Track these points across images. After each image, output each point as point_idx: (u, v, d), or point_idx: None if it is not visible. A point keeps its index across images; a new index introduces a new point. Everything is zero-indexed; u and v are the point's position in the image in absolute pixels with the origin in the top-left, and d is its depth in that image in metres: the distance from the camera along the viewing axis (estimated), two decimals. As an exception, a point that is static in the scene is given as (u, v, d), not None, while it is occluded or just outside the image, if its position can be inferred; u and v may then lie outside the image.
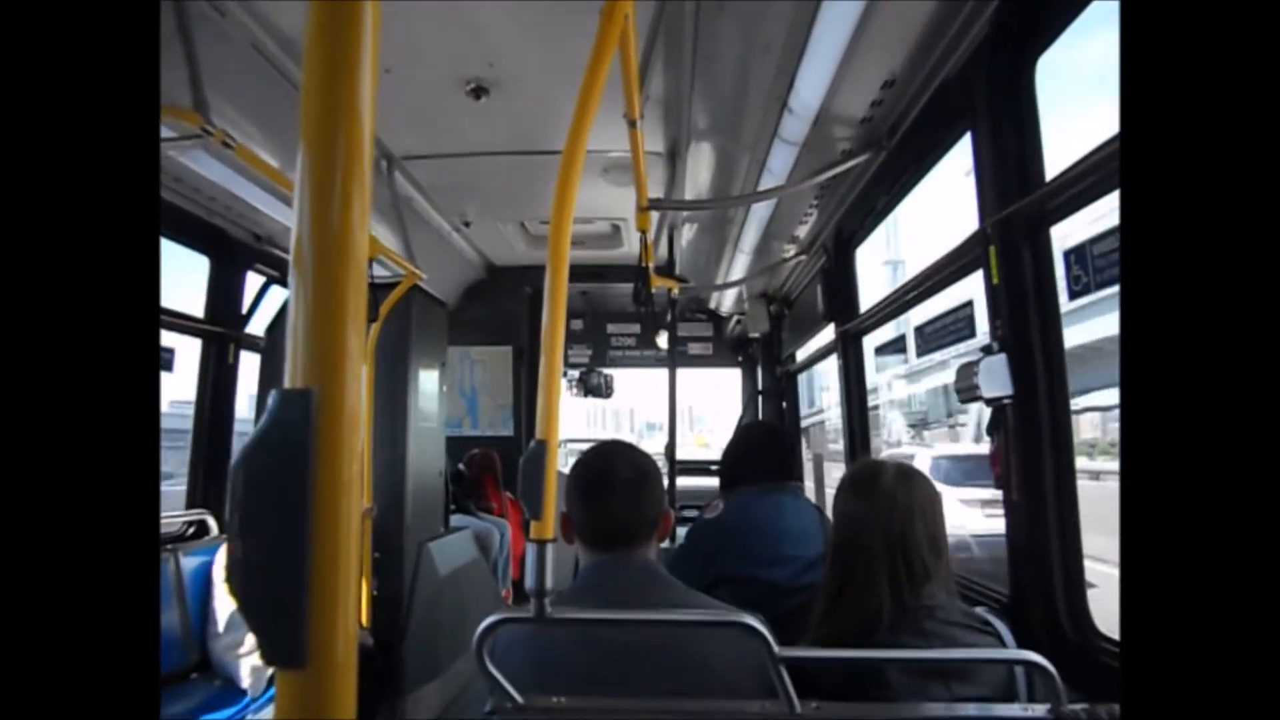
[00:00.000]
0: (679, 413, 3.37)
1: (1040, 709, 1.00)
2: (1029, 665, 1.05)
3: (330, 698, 0.45)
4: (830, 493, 1.47)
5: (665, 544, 1.71)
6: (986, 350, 1.64)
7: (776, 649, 0.96)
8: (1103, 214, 1.38)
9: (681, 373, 3.44)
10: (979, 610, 1.29)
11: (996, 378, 1.59)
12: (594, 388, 5.33)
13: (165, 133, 2.21)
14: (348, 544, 0.46)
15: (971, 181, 1.74)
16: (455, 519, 3.76)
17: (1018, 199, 1.60)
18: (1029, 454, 1.59)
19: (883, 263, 32.13)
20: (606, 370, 5.44)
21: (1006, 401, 1.61)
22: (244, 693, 2.61)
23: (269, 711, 2.50)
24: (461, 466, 4.38)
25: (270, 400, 0.45)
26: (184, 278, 3.35)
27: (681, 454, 3.42)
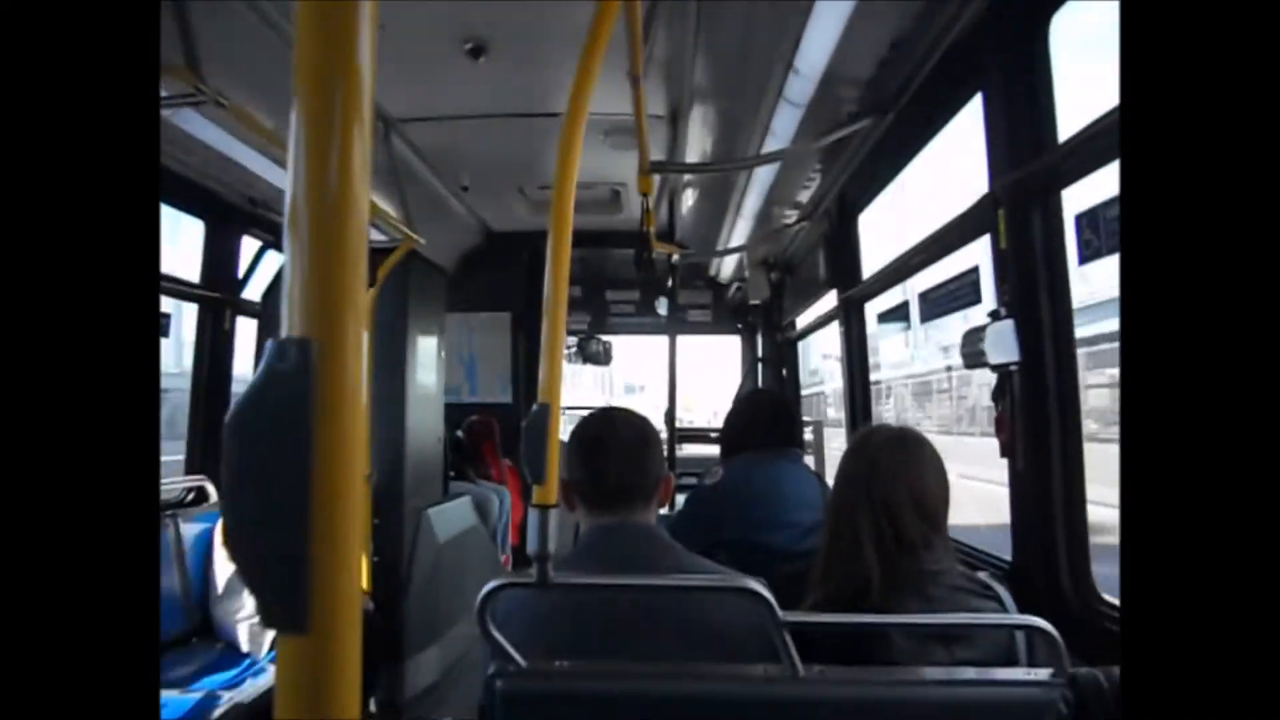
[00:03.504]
0: (658, 373, 3.37)
1: (1043, 673, 1.00)
2: (1032, 630, 1.05)
3: (334, 663, 0.43)
4: (829, 460, 1.47)
5: (665, 511, 1.70)
6: (994, 315, 1.62)
7: (780, 613, 0.96)
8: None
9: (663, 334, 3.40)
10: (980, 575, 1.29)
11: (1003, 343, 1.57)
12: (593, 355, 5.29)
13: None
14: (351, 503, 0.43)
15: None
16: (454, 486, 3.76)
17: (1029, 162, 1.57)
18: (1035, 420, 1.58)
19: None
20: (605, 337, 5.40)
21: (1013, 368, 1.59)
22: (246, 655, 2.63)
23: (271, 671, 2.52)
24: (460, 433, 4.38)
25: (266, 350, 0.43)
26: (184, 243, 3.30)
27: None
